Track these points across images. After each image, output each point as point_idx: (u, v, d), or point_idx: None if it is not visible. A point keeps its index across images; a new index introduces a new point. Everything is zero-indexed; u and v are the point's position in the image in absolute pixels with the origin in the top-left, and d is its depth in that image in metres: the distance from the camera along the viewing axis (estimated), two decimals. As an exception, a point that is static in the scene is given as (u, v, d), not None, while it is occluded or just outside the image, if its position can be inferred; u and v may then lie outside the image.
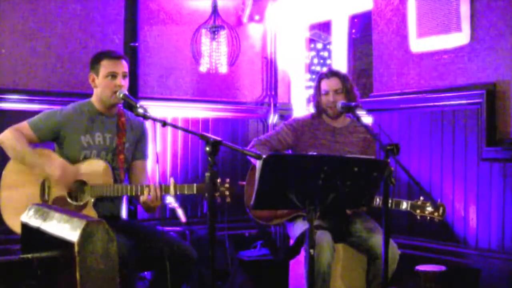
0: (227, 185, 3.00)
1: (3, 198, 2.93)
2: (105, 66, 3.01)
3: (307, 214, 2.37)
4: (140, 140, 3.19)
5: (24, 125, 2.99)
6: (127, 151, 3.11)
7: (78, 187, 2.96)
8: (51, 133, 3.01)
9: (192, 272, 2.96)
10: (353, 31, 5.31)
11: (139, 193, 2.92)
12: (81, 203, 2.93)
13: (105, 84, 3.01)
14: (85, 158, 3.00)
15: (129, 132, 3.13)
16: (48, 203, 2.90)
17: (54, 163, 2.90)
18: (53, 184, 2.91)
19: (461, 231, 3.77)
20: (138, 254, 2.81)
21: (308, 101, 3.82)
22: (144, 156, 3.21)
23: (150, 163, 3.41)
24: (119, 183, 3.01)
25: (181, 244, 2.97)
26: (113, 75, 3.00)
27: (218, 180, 2.95)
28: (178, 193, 2.96)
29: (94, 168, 2.96)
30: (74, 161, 2.98)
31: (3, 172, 2.96)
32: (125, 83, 3.03)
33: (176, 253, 2.88)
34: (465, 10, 3.74)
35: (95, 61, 3.06)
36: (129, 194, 2.95)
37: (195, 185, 2.97)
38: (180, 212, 4.11)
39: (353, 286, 3.33)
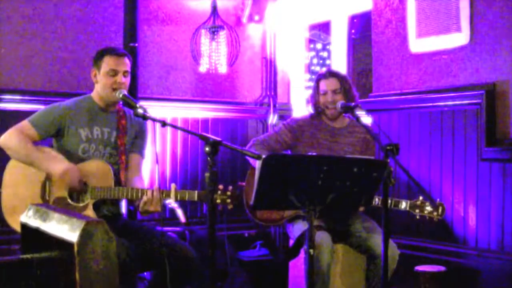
0: (229, 193, 2.90)
1: (4, 196, 2.93)
2: (107, 63, 3.02)
3: (307, 214, 2.37)
4: (138, 135, 3.18)
5: (25, 124, 2.97)
6: (127, 150, 3.11)
7: (79, 188, 2.95)
8: (52, 128, 2.99)
9: (192, 273, 2.95)
10: (353, 31, 5.32)
11: (139, 197, 2.89)
12: (81, 205, 2.92)
13: (105, 80, 3.01)
14: (84, 151, 3.00)
15: (129, 130, 3.13)
16: (48, 203, 2.90)
17: (58, 162, 2.89)
18: (53, 183, 2.90)
19: (461, 231, 3.77)
20: (137, 254, 2.81)
21: (307, 101, 3.82)
22: (140, 151, 3.19)
23: (149, 163, 3.40)
24: (121, 183, 3.00)
25: (181, 245, 2.97)
26: (114, 72, 3.01)
27: (220, 187, 2.88)
28: (179, 199, 2.91)
29: (95, 169, 2.95)
30: (73, 154, 2.98)
31: (5, 171, 2.96)
32: (126, 80, 3.04)
33: (176, 253, 2.87)
34: (465, 10, 3.74)
35: (98, 56, 3.06)
36: (129, 198, 2.92)
37: (196, 192, 2.91)
38: (179, 213, 4.11)
39: (353, 286, 3.33)
